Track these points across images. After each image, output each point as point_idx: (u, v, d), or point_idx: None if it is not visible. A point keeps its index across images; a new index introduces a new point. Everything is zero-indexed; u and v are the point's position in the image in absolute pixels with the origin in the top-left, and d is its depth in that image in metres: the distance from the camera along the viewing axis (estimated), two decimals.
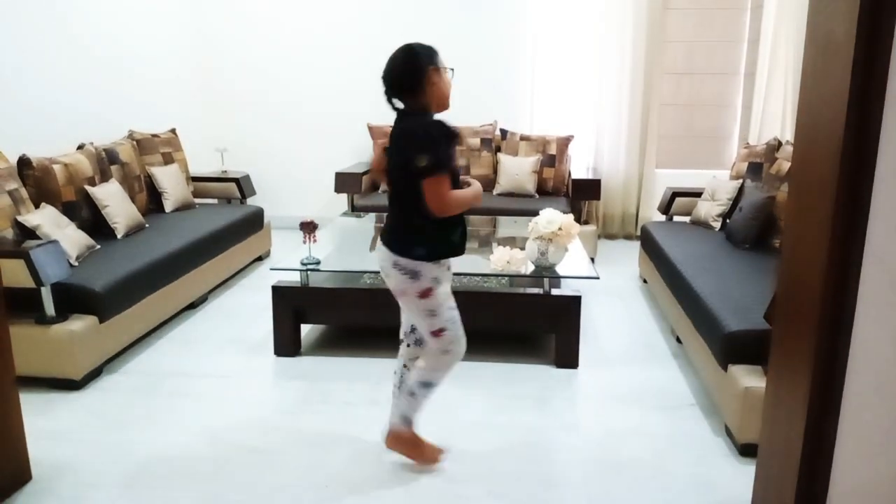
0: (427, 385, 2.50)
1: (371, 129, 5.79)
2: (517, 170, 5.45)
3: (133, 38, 5.07)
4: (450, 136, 2.25)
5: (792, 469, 1.85)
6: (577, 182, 5.30)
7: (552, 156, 5.54)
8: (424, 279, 2.33)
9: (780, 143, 4.23)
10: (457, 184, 2.34)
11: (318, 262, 3.52)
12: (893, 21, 1.53)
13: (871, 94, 1.58)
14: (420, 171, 2.19)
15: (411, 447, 2.57)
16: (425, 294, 2.34)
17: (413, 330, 2.55)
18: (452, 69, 2.37)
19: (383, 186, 5.59)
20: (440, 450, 2.62)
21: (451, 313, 2.41)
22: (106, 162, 4.24)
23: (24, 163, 3.63)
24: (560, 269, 3.44)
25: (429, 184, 2.20)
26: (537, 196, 5.44)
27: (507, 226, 4.70)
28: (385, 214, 2.51)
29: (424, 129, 2.24)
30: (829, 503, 1.80)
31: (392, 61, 2.29)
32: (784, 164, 3.92)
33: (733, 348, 2.73)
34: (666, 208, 4.92)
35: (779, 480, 1.96)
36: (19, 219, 3.36)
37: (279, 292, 3.51)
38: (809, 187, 1.82)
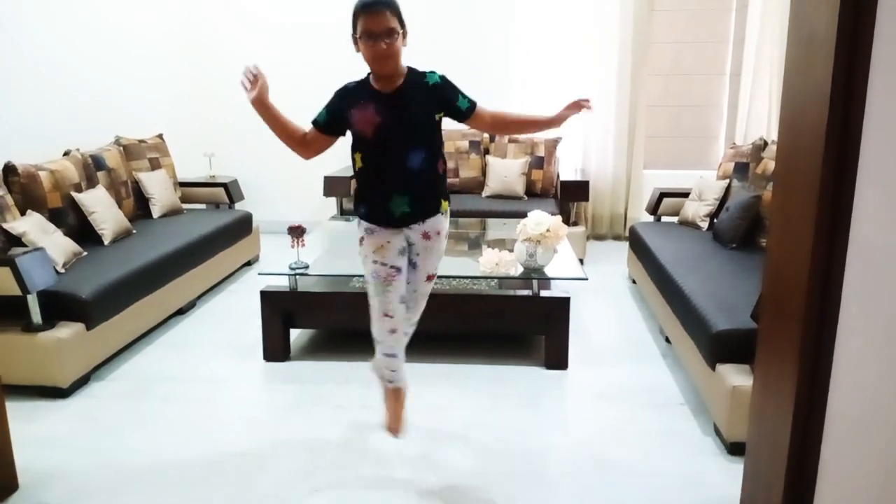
0: None
1: None
2: (506, 172, 5.45)
3: (120, 42, 5.05)
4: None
5: (780, 466, 1.86)
6: (565, 183, 5.32)
7: (540, 157, 5.56)
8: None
9: (765, 143, 4.26)
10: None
11: (306, 267, 3.52)
12: (874, 17, 1.54)
13: (853, 89, 1.59)
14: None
15: None
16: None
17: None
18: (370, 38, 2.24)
19: None
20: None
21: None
22: (92, 168, 4.22)
23: (9, 169, 3.60)
24: (549, 271, 3.45)
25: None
26: (526, 198, 5.45)
27: (495, 228, 4.71)
28: None
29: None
30: (817, 500, 1.81)
31: None
32: (770, 164, 3.95)
33: (721, 348, 2.74)
34: (654, 209, 4.94)
35: (767, 478, 1.97)
36: (5, 226, 3.33)
37: (268, 297, 3.50)
38: (793, 182, 1.83)
